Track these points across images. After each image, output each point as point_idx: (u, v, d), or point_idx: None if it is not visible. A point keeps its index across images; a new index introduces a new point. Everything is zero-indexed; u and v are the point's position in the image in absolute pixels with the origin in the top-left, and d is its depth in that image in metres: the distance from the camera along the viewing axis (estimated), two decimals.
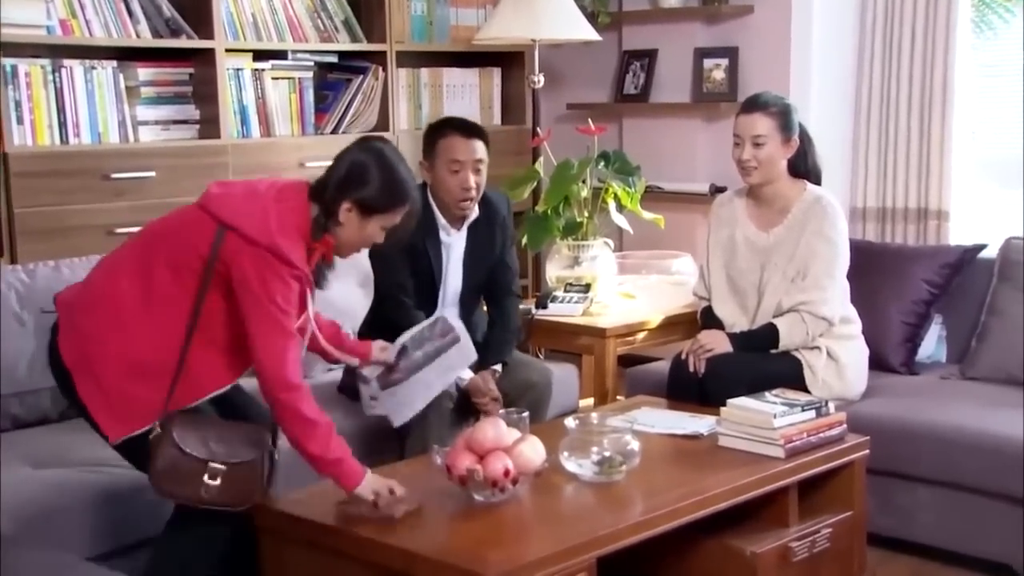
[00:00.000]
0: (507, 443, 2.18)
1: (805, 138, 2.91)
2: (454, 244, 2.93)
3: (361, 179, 2.13)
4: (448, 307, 2.97)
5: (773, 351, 2.82)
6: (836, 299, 2.82)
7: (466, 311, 2.98)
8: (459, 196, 2.84)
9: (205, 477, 2.05)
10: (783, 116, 2.83)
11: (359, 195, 2.12)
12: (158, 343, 2.07)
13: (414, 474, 2.29)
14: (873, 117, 3.86)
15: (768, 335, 2.82)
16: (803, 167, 2.90)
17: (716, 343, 2.82)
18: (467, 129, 2.85)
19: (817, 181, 2.93)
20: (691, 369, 2.79)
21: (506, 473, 2.11)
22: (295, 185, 2.17)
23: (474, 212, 2.93)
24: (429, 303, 2.90)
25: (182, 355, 2.07)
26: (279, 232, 2.04)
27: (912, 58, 3.75)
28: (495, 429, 2.20)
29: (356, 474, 2.07)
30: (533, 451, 2.19)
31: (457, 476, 2.13)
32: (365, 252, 2.63)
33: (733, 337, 2.84)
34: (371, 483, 2.08)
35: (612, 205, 3.53)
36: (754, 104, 2.86)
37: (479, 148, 2.86)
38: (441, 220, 2.88)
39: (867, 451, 2.53)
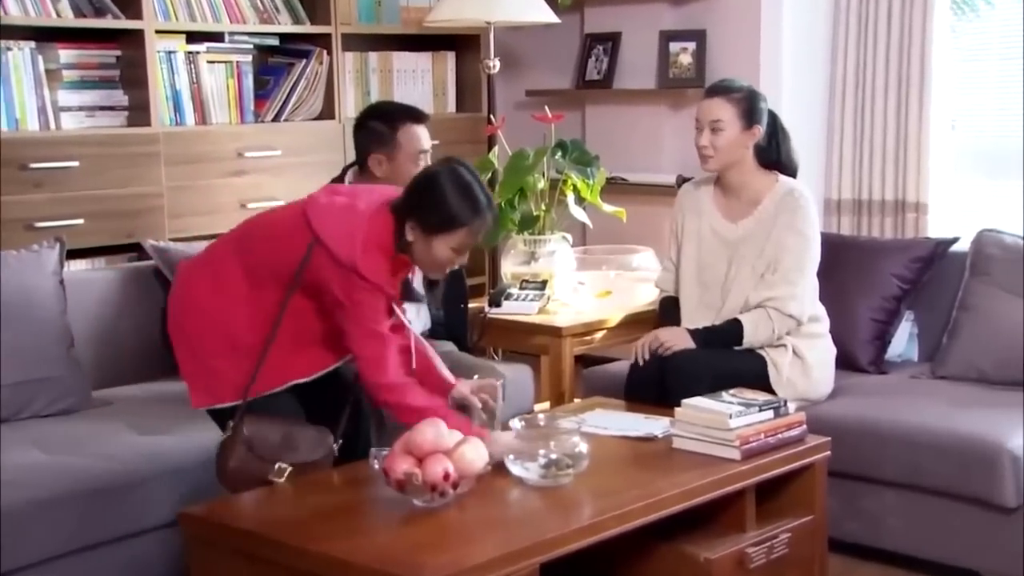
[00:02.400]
0: (448, 445, 2.24)
1: (778, 129, 2.99)
2: None
3: (423, 197, 2.32)
4: (411, 306, 3.05)
5: (737, 348, 2.91)
6: (806, 296, 2.91)
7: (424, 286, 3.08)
8: None
9: (271, 476, 2.31)
10: (746, 102, 2.91)
11: (421, 213, 2.31)
12: (250, 327, 2.37)
13: (350, 479, 2.35)
14: (848, 104, 3.97)
15: (732, 332, 2.90)
16: (775, 158, 2.98)
17: (676, 340, 2.90)
18: (420, 116, 2.96)
19: (792, 174, 3.01)
20: (641, 363, 2.87)
21: (446, 476, 2.17)
22: (389, 197, 2.38)
23: None
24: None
25: (266, 344, 2.35)
26: (363, 252, 2.28)
27: (888, 42, 3.86)
28: (435, 431, 2.27)
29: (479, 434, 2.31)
30: (475, 453, 2.25)
31: (394, 480, 2.19)
32: None
33: (695, 333, 2.92)
34: (500, 438, 2.35)
35: (571, 197, 3.61)
36: (716, 89, 2.95)
37: (428, 135, 2.98)
38: None
39: (828, 453, 2.61)
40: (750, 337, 2.88)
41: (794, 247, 2.88)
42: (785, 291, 2.87)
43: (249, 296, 2.39)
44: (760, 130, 2.93)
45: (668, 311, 3.06)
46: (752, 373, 2.83)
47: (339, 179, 3.01)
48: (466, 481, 2.22)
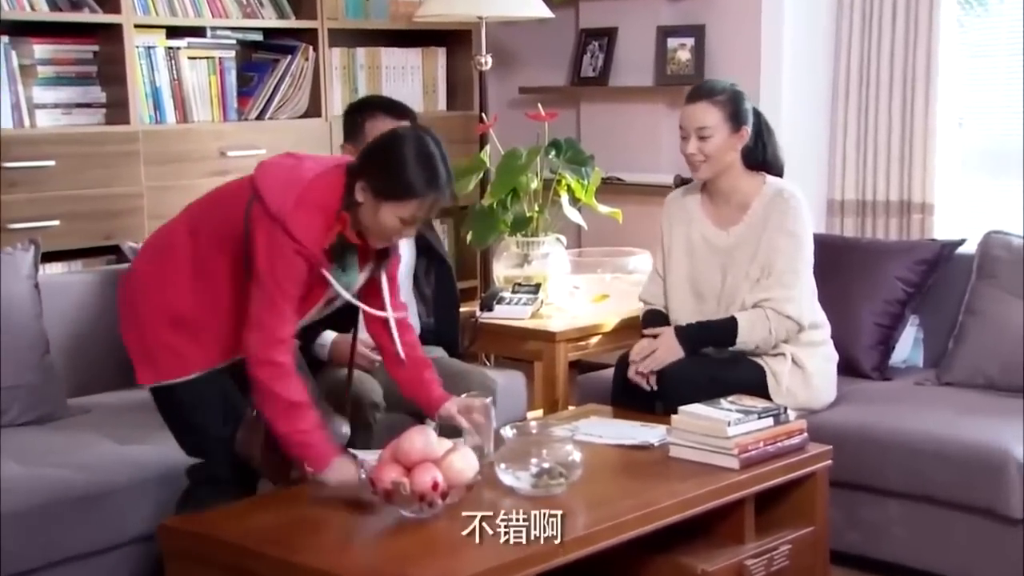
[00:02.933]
0: (436, 454, 2.25)
1: (762, 127, 2.98)
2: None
3: (385, 159, 2.25)
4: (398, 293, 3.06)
5: (731, 348, 2.88)
6: (804, 299, 2.90)
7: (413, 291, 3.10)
8: None
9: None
10: (731, 104, 2.90)
11: (374, 176, 2.24)
12: (196, 300, 2.34)
13: (338, 488, 2.36)
14: (851, 101, 3.98)
15: (726, 329, 2.87)
16: (761, 158, 2.98)
17: (667, 354, 2.86)
18: (394, 110, 2.94)
19: (779, 173, 3.01)
20: (643, 384, 2.85)
21: (435, 486, 2.18)
22: (342, 163, 2.34)
23: None
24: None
25: (222, 316, 2.32)
26: (297, 206, 2.22)
27: (893, 37, 3.87)
28: (423, 438, 2.28)
29: (322, 459, 2.27)
30: (464, 462, 2.26)
31: (382, 490, 2.20)
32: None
33: (682, 333, 2.88)
34: (339, 470, 2.27)
35: (565, 198, 3.62)
36: (698, 93, 2.93)
37: None
38: None
39: (830, 461, 2.62)
40: (745, 335, 2.85)
41: (786, 249, 2.88)
42: (780, 293, 2.86)
43: (194, 267, 2.35)
44: (748, 131, 2.93)
45: (653, 325, 3.00)
46: (750, 382, 2.82)
47: None
48: (456, 491, 2.23)
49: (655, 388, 2.85)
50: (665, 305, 3.04)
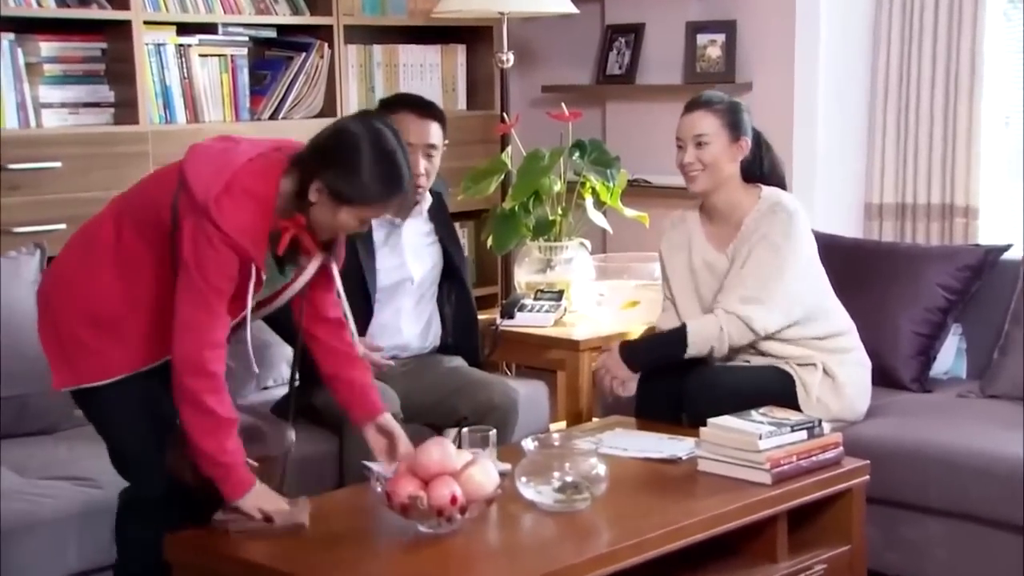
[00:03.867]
0: (455, 467, 2.26)
1: (761, 143, 2.99)
2: (405, 233, 3.04)
3: (343, 160, 2.17)
4: (418, 315, 3.09)
5: (686, 356, 2.86)
6: (768, 305, 2.84)
7: (424, 306, 3.11)
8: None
9: None
10: (730, 114, 2.91)
11: (333, 177, 2.15)
12: (123, 299, 2.23)
13: (352, 503, 2.37)
14: (891, 99, 3.96)
15: (673, 338, 2.88)
16: (759, 172, 2.98)
17: (616, 368, 2.90)
18: (423, 108, 2.97)
19: (780, 184, 3.01)
20: (612, 391, 2.91)
21: (453, 500, 2.19)
22: (284, 147, 2.25)
23: (427, 199, 3.08)
24: (360, 300, 2.97)
25: (148, 314, 2.23)
26: (225, 194, 2.11)
27: (936, 32, 3.85)
28: (441, 451, 2.29)
29: (242, 484, 2.20)
30: (484, 476, 2.27)
31: (398, 504, 2.21)
32: None
33: (625, 350, 2.90)
34: (257, 498, 2.20)
35: (589, 201, 3.63)
36: (695, 102, 2.95)
37: (434, 132, 2.99)
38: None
39: (867, 477, 2.62)
40: (695, 338, 2.83)
41: (759, 256, 2.86)
42: (736, 294, 2.84)
43: (117, 261, 2.25)
44: (747, 143, 2.93)
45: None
46: (779, 393, 2.83)
47: None
48: (475, 506, 2.23)
49: (630, 395, 2.91)
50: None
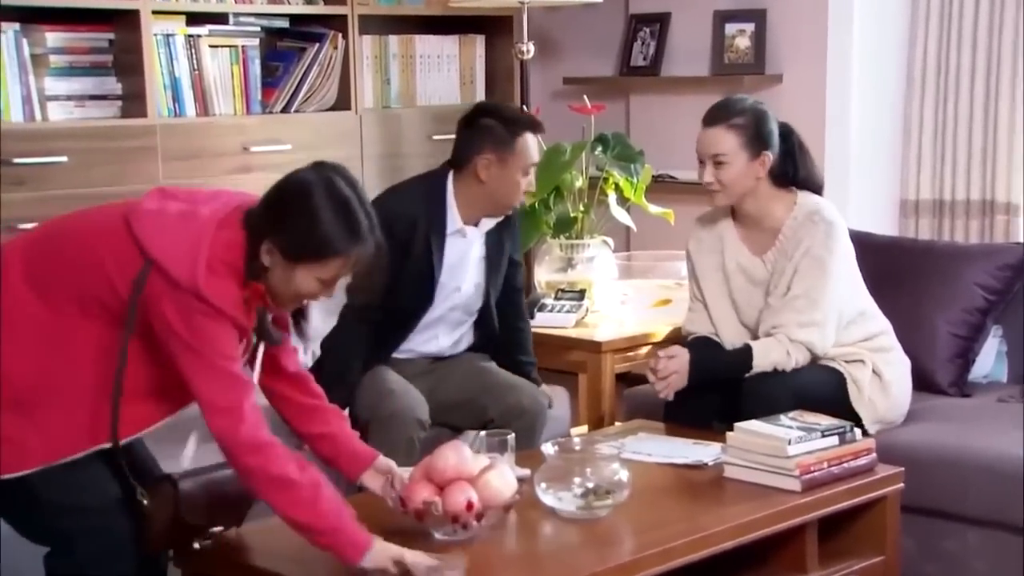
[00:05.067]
0: (472, 472, 2.26)
1: (794, 146, 2.96)
2: (472, 244, 3.07)
3: (292, 214, 2.05)
4: (456, 322, 3.11)
5: (814, 367, 2.88)
6: (826, 326, 2.86)
7: (485, 318, 3.14)
8: (518, 199, 3.07)
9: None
10: (751, 128, 2.88)
11: (284, 234, 2.05)
12: (50, 377, 2.06)
13: (365, 508, 2.36)
14: (928, 92, 3.96)
15: (739, 359, 2.87)
16: (793, 177, 2.96)
17: (679, 379, 2.87)
18: (537, 126, 3.07)
19: (817, 190, 2.99)
20: (659, 393, 2.88)
21: (469, 507, 2.19)
22: (243, 205, 2.12)
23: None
24: (422, 310, 3.03)
25: (82, 395, 2.07)
26: (208, 272, 2.01)
27: (976, 21, 3.85)
28: (457, 455, 2.29)
29: (358, 545, 2.05)
30: (502, 481, 2.27)
31: (413, 510, 2.21)
32: None
33: (695, 365, 2.87)
34: (381, 553, 2.05)
35: (612, 197, 3.63)
36: (714, 117, 2.91)
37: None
38: (457, 224, 3.02)
39: (901, 485, 2.61)
40: (760, 360, 2.85)
41: (806, 273, 2.86)
42: (792, 318, 2.85)
43: (43, 335, 2.06)
44: (770, 157, 2.91)
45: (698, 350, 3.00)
46: (831, 392, 2.84)
47: (439, 177, 3.05)
48: (492, 512, 2.23)
49: (670, 397, 2.89)
50: (715, 332, 3.02)
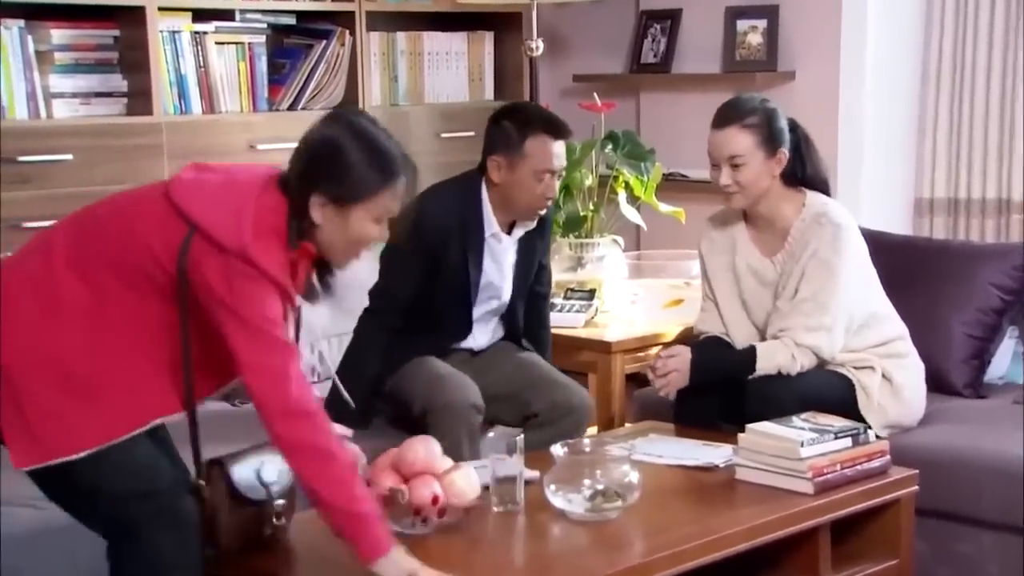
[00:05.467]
0: (439, 469, 2.29)
1: (801, 141, 2.95)
2: (506, 251, 3.07)
3: (330, 162, 2.09)
4: (489, 320, 3.13)
5: (817, 371, 2.87)
6: (834, 329, 2.85)
7: (511, 322, 3.15)
8: (539, 205, 3.02)
9: (268, 529, 2.21)
10: (765, 127, 2.87)
11: (329, 184, 2.08)
12: (99, 355, 2.06)
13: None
14: (943, 88, 3.94)
15: (744, 359, 2.87)
16: (801, 175, 2.96)
17: (680, 377, 2.87)
18: (558, 129, 3.00)
19: (824, 190, 2.98)
20: (659, 391, 2.88)
21: (435, 501, 2.20)
22: (275, 174, 2.15)
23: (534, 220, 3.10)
24: (460, 317, 3.05)
25: (133, 370, 2.07)
26: (255, 236, 2.02)
27: (992, 15, 3.83)
28: (426, 450, 2.31)
29: (379, 545, 2.01)
30: (467, 483, 2.28)
31: (377, 496, 2.18)
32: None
33: (696, 365, 2.87)
34: (398, 563, 2.02)
35: (622, 196, 3.63)
36: (726, 117, 2.89)
37: (564, 150, 3.04)
38: (494, 225, 3.02)
39: (916, 488, 2.61)
40: (765, 363, 2.84)
41: (814, 276, 2.85)
42: (800, 321, 2.84)
43: (89, 315, 2.06)
44: (785, 153, 2.90)
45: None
46: (839, 399, 2.83)
47: (474, 179, 3.04)
48: (452, 512, 2.25)
49: (671, 397, 2.89)
50: (725, 333, 3.02)
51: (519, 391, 3.03)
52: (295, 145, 2.18)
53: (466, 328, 3.08)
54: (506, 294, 3.10)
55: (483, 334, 3.15)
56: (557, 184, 3.03)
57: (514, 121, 2.98)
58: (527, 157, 2.95)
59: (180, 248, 2.04)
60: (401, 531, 2.19)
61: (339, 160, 2.09)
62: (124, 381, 2.07)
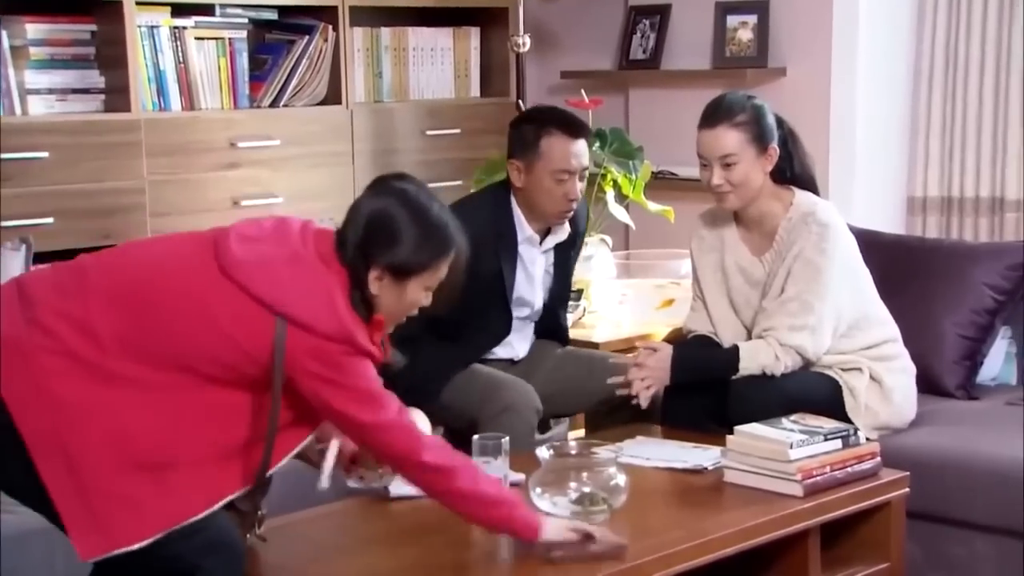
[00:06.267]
0: None
1: (787, 136, 2.97)
2: (537, 260, 3.08)
3: (387, 236, 2.14)
4: (521, 330, 3.14)
5: (801, 371, 2.89)
6: (820, 330, 2.86)
7: (549, 325, 3.18)
8: (562, 207, 3.01)
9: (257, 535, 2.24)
10: (754, 124, 2.88)
11: (388, 258, 2.13)
12: (165, 438, 2.04)
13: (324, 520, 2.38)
14: (936, 86, 3.96)
15: (726, 358, 2.88)
16: (789, 174, 2.97)
17: (656, 369, 2.88)
18: (575, 127, 3.00)
19: (811, 187, 3.00)
20: (632, 399, 2.88)
21: None
22: (325, 237, 2.16)
23: (565, 230, 3.09)
24: (497, 327, 3.07)
25: (197, 455, 2.06)
26: (350, 317, 2.08)
27: (986, 11, 3.84)
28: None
29: (532, 520, 2.18)
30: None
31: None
32: None
33: (678, 363, 2.88)
34: (556, 523, 2.20)
35: (610, 194, 3.64)
36: (716, 116, 2.90)
37: (586, 151, 3.02)
38: (527, 230, 3.02)
39: (907, 490, 2.62)
40: (747, 363, 2.85)
41: (800, 276, 2.87)
42: (785, 321, 2.86)
43: (155, 396, 2.03)
44: (776, 149, 2.92)
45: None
46: (826, 401, 2.84)
47: (505, 188, 3.05)
48: None
49: (644, 406, 2.89)
50: (714, 332, 3.04)
51: (580, 384, 3.06)
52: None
53: (505, 330, 3.08)
54: (537, 301, 3.11)
55: (520, 342, 3.17)
56: (581, 186, 3.01)
57: (531, 123, 3.00)
58: (543, 157, 2.95)
59: (274, 343, 2.04)
60: (358, 486, 2.28)
61: (396, 235, 2.14)
62: (194, 463, 2.06)
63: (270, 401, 2.08)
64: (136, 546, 2.00)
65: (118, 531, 2.00)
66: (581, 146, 2.99)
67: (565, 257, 3.13)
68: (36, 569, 2.46)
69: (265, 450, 2.11)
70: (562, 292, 3.17)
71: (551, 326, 3.21)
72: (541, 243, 3.07)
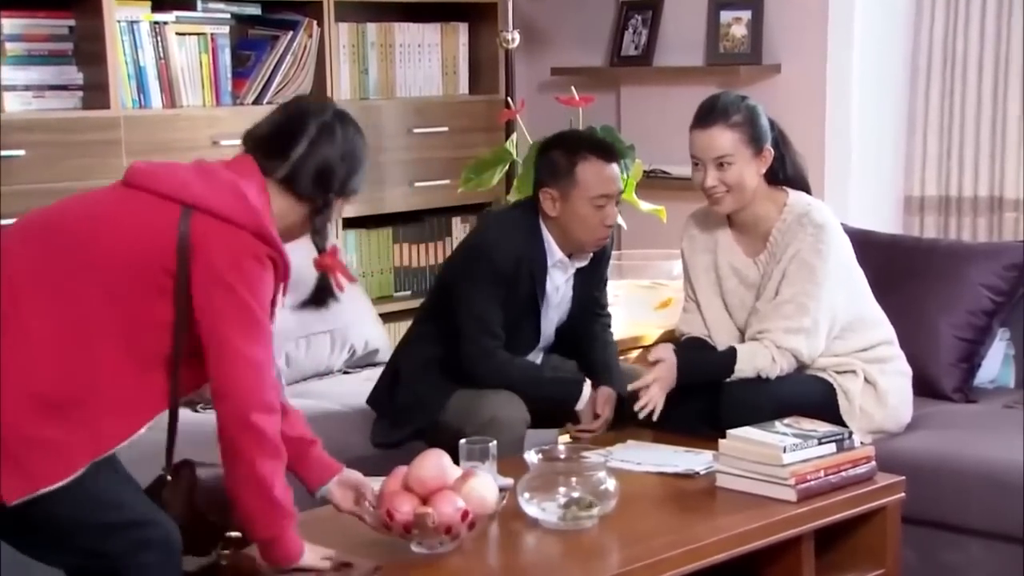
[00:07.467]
0: (450, 480, 2.29)
1: (779, 138, 2.98)
2: (560, 288, 3.08)
3: (352, 160, 2.22)
4: (536, 354, 3.15)
5: (794, 375, 2.91)
6: (815, 332, 2.88)
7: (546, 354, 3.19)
8: (600, 235, 2.99)
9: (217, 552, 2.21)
10: (749, 125, 2.89)
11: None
12: (73, 371, 2.04)
13: (324, 523, 2.35)
14: (934, 84, 3.97)
15: (723, 361, 2.89)
16: (781, 175, 2.99)
17: (667, 379, 2.88)
18: (608, 151, 2.99)
19: (804, 189, 3.01)
20: (640, 412, 2.88)
21: (464, 515, 2.21)
22: (245, 163, 2.21)
23: (588, 255, 3.07)
24: (525, 348, 3.07)
25: (112, 381, 2.06)
26: (259, 207, 2.09)
27: (984, 8, 3.86)
28: (438, 462, 2.32)
29: (297, 542, 2.13)
30: (486, 489, 2.30)
31: (402, 523, 2.21)
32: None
33: (682, 367, 2.89)
34: (314, 549, 2.16)
35: None
36: (710, 115, 2.90)
37: (619, 173, 3.03)
38: (558, 255, 3.01)
39: (902, 495, 2.63)
40: (744, 365, 2.87)
41: (794, 277, 2.89)
42: (780, 324, 2.87)
43: (60, 341, 2.03)
44: (771, 151, 2.93)
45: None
46: (821, 404, 2.86)
47: (534, 208, 3.02)
48: (479, 522, 2.26)
49: (655, 418, 2.89)
50: (707, 334, 3.06)
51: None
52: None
53: (530, 348, 3.09)
54: (551, 333, 3.12)
55: (540, 358, 3.18)
56: (616, 211, 3.01)
57: (562, 149, 2.97)
58: (580, 185, 2.91)
59: (178, 227, 2.04)
60: (423, 551, 2.22)
61: (358, 156, 2.26)
62: (107, 391, 2.06)
63: (176, 314, 2.07)
64: (59, 484, 2.01)
65: (38, 472, 2.01)
66: (616, 169, 2.98)
67: (584, 280, 3.11)
68: (36, 566, 2.45)
69: (174, 369, 2.09)
70: (581, 312, 3.14)
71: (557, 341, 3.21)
72: (567, 267, 3.05)
